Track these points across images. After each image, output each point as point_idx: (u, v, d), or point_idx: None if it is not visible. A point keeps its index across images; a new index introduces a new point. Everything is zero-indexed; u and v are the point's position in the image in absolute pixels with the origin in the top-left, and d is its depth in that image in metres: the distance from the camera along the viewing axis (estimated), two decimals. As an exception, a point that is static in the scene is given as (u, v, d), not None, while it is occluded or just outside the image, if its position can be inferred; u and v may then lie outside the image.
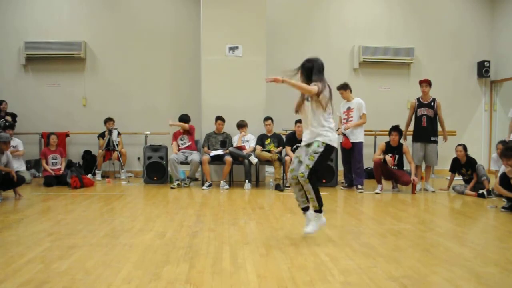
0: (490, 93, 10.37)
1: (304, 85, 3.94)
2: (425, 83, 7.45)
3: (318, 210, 4.02)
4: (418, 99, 7.53)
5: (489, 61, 10.06)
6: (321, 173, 7.69)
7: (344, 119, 7.51)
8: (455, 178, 7.50)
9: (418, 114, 7.47)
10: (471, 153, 7.33)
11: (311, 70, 4.08)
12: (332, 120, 4.11)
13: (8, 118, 8.61)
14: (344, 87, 7.45)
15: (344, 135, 7.40)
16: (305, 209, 4.11)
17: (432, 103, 7.40)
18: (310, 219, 4.07)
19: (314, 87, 3.91)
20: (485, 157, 10.11)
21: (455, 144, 7.41)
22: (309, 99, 4.02)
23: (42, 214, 5.29)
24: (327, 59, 9.71)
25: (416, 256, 3.61)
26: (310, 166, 3.88)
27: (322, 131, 3.97)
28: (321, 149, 3.92)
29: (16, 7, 9.37)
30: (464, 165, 7.17)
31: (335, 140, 4.05)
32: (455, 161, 7.33)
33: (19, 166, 7.86)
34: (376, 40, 9.83)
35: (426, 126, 7.37)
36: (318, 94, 3.91)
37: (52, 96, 9.47)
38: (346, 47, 9.89)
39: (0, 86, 9.26)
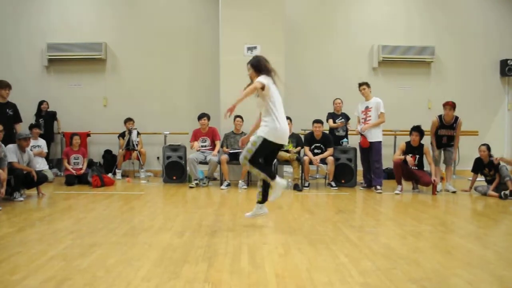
0: (514, 92, 10.16)
1: (248, 89, 4.33)
2: (449, 106, 7.29)
3: (273, 179, 4.36)
4: (440, 118, 7.40)
5: (512, 59, 9.86)
6: (339, 173, 7.67)
7: (362, 118, 7.46)
8: (477, 179, 7.36)
9: (438, 134, 7.44)
10: (494, 153, 7.18)
11: (257, 67, 4.49)
12: (281, 109, 4.44)
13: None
14: (367, 84, 7.46)
15: (361, 134, 7.36)
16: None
17: (454, 124, 7.33)
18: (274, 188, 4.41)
19: (256, 83, 4.28)
20: (508, 157, 9.88)
21: (477, 144, 7.28)
22: (257, 95, 4.40)
23: (64, 213, 5.38)
24: (346, 58, 9.90)
25: (437, 258, 3.56)
26: (251, 151, 4.27)
27: (263, 124, 4.37)
28: (258, 141, 4.28)
29: (38, 9, 9.57)
30: (487, 165, 7.03)
31: (273, 133, 4.31)
32: (478, 161, 7.20)
33: (42, 165, 8.02)
34: (396, 38, 9.72)
35: (446, 142, 7.44)
36: (262, 88, 4.27)
37: (74, 97, 9.64)
38: (365, 46, 9.81)
39: (23, 87, 9.45)
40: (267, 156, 4.55)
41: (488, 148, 7.03)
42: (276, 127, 4.32)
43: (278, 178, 4.39)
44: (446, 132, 7.37)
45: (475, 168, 7.29)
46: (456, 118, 7.33)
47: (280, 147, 4.52)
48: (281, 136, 4.39)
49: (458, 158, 7.80)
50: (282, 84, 8.09)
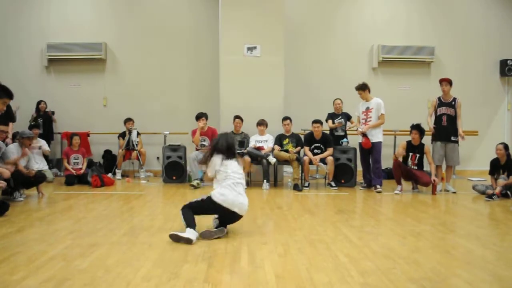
0: (514, 92, 10.17)
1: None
2: (445, 81, 7.32)
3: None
4: (439, 98, 7.41)
5: (512, 59, 9.86)
6: (339, 173, 7.67)
7: (363, 119, 7.46)
8: (478, 179, 7.29)
9: (438, 113, 7.35)
10: (492, 153, 7.14)
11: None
12: (227, 182, 4.25)
13: None
14: (362, 88, 7.40)
15: (364, 134, 7.35)
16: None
17: (453, 102, 7.27)
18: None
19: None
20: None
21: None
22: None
23: (64, 213, 5.38)
24: (346, 58, 9.91)
25: (436, 258, 3.56)
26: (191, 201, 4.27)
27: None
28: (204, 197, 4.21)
29: (38, 9, 9.58)
30: (502, 167, 6.80)
31: (219, 198, 4.12)
32: (495, 162, 6.90)
33: (42, 165, 8.02)
34: (396, 38, 9.73)
35: (447, 125, 7.24)
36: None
37: (74, 97, 9.65)
38: (365, 46, 9.82)
39: (23, 87, 9.43)
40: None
41: (506, 147, 6.72)
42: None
43: (190, 230, 3.98)
44: (446, 110, 7.25)
45: (492, 171, 6.99)
46: (455, 98, 7.28)
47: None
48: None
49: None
50: (282, 85, 8.20)
